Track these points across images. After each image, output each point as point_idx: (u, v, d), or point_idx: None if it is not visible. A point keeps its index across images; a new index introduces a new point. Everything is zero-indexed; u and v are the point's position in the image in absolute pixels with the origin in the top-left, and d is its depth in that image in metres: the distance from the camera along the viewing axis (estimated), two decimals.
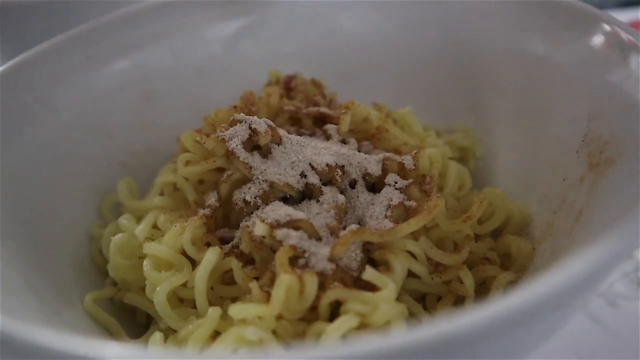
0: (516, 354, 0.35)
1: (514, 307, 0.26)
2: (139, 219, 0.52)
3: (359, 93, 0.58)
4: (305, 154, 0.48)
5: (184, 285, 0.46)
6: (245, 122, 0.48)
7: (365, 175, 0.49)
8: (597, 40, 0.48)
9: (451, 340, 0.26)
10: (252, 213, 0.46)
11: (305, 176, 0.47)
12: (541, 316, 0.28)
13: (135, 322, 0.51)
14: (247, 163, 0.47)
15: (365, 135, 0.54)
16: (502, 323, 0.27)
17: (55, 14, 0.81)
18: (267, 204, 0.46)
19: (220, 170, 0.51)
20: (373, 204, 0.47)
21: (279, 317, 0.41)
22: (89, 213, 0.57)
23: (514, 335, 0.29)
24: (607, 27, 0.48)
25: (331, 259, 0.43)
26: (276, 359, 0.29)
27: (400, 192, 0.47)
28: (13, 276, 0.41)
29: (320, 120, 0.55)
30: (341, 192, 0.48)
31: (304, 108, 0.56)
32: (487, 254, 0.50)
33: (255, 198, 0.46)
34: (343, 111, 0.53)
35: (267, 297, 0.42)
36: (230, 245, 0.47)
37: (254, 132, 0.47)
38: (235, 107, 0.53)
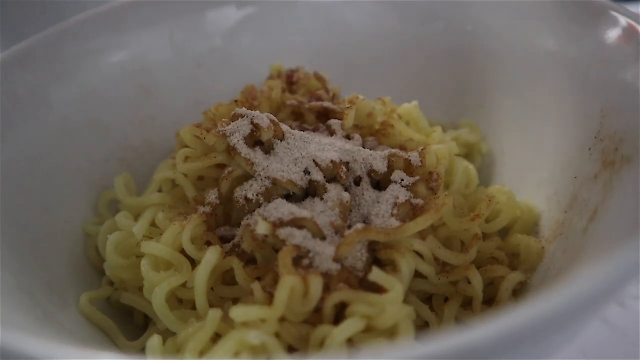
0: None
1: (533, 318, 0.25)
2: (136, 216, 0.51)
3: (363, 87, 0.57)
4: (308, 149, 0.47)
5: (183, 285, 0.45)
6: (247, 116, 0.46)
7: (371, 172, 0.47)
8: (610, 33, 0.47)
9: (464, 353, 0.25)
10: (254, 211, 0.45)
11: (309, 173, 0.46)
12: (561, 328, 0.27)
13: (133, 323, 0.50)
14: (249, 159, 0.45)
15: (370, 131, 0.52)
16: (517, 336, 0.25)
17: (54, 6, 0.79)
18: (269, 202, 0.44)
19: (221, 166, 0.49)
20: (378, 202, 0.46)
21: (282, 320, 0.40)
22: (84, 209, 0.56)
23: (531, 348, 0.27)
24: (620, 20, 0.46)
25: (336, 259, 0.41)
26: None
27: (407, 190, 0.46)
28: (5, 277, 0.40)
29: (324, 115, 0.54)
30: (346, 190, 0.47)
31: (306, 102, 0.54)
32: (495, 254, 0.48)
33: (257, 195, 0.45)
34: (347, 106, 0.51)
35: (269, 299, 0.40)
36: (231, 244, 0.46)
37: (256, 127, 0.46)
38: (236, 101, 0.51)
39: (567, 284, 0.26)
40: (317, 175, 0.46)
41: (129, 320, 0.50)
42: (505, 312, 0.25)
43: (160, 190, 0.53)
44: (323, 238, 0.42)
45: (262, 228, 0.42)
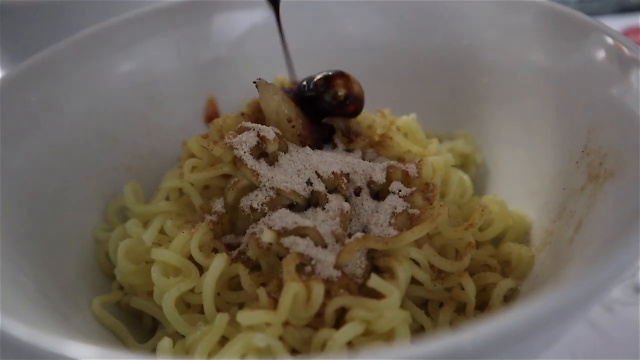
0: None
1: (517, 322, 0.27)
2: (145, 223, 0.53)
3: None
4: (311, 162, 0.49)
5: (191, 290, 0.47)
6: (254, 129, 0.48)
7: (370, 183, 0.50)
8: (598, 52, 0.49)
9: (456, 353, 0.27)
10: (259, 220, 0.47)
11: (311, 184, 0.48)
12: (543, 330, 0.29)
13: (142, 326, 0.52)
14: (254, 170, 0.48)
15: (370, 143, 0.55)
16: (505, 338, 0.27)
17: (53, 14, 0.81)
18: (273, 211, 0.47)
19: (226, 176, 0.51)
20: (377, 212, 0.48)
21: (286, 324, 0.42)
22: (94, 216, 0.58)
23: (515, 349, 0.30)
24: (607, 40, 0.49)
25: (337, 266, 0.44)
26: None
27: (404, 200, 0.48)
28: (25, 281, 0.42)
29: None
30: (346, 200, 0.49)
31: None
32: (488, 261, 0.51)
33: (262, 205, 0.47)
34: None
35: (274, 304, 0.42)
36: (236, 251, 0.48)
37: (262, 139, 0.48)
38: (242, 114, 0.53)
39: (550, 291, 0.29)
40: (319, 186, 0.48)
41: (138, 324, 0.52)
42: (494, 317, 0.27)
43: (167, 199, 0.55)
44: (325, 246, 0.45)
45: (267, 237, 0.44)
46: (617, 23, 0.97)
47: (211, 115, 0.60)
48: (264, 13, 0.70)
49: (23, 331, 0.28)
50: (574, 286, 0.28)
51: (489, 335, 0.26)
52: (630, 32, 0.97)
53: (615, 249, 0.30)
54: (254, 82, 0.52)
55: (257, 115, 0.53)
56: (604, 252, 0.30)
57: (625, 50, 0.46)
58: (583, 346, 0.55)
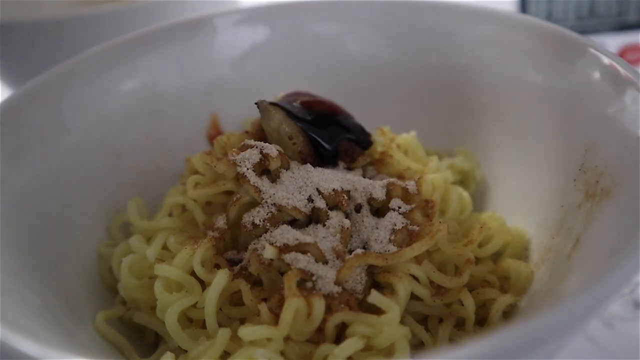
0: None
1: (515, 337, 0.28)
2: (148, 239, 0.54)
3: (362, 114, 0.60)
4: (312, 179, 0.50)
5: (194, 306, 0.48)
6: (257, 147, 0.49)
7: (370, 200, 0.50)
8: (594, 72, 0.50)
9: None
10: (261, 236, 0.48)
11: (313, 200, 0.49)
12: (541, 345, 0.30)
13: (144, 341, 0.53)
14: (256, 186, 0.48)
15: (370, 160, 0.55)
16: (503, 353, 0.28)
17: (58, 34, 0.83)
18: (275, 227, 0.47)
19: (229, 193, 0.52)
20: (377, 228, 0.49)
21: (287, 339, 0.43)
22: (98, 232, 0.58)
23: None
24: (603, 60, 0.50)
25: (337, 282, 0.44)
26: None
27: (404, 217, 0.49)
28: (32, 297, 0.43)
29: None
30: (347, 217, 0.50)
31: None
32: (487, 277, 0.51)
33: (263, 221, 0.47)
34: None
35: (275, 319, 0.43)
36: (238, 267, 0.49)
37: (265, 156, 0.49)
38: (246, 132, 0.54)
39: (549, 307, 0.29)
40: (320, 203, 0.49)
41: (140, 339, 0.53)
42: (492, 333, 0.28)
43: (170, 215, 0.56)
44: (325, 262, 0.45)
45: (269, 253, 0.45)
46: (616, 40, 0.98)
47: (214, 133, 0.61)
48: (267, 32, 0.71)
49: (30, 347, 0.28)
50: (573, 302, 0.29)
51: (487, 351, 0.27)
52: (628, 50, 0.98)
53: (613, 265, 0.31)
54: (256, 104, 0.53)
55: (261, 134, 0.54)
56: (602, 268, 0.31)
57: (621, 70, 0.47)
58: None
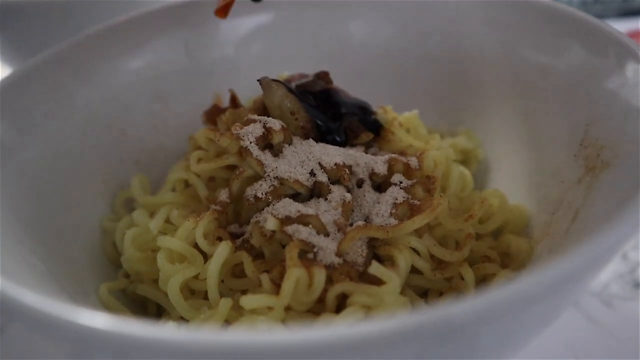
0: (510, 344, 0.38)
1: (508, 293, 0.28)
2: (151, 214, 0.54)
3: (365, 94, 0.60)
4: (314, 153, 0.50)
5: (196, 277, 0.48)
6: (260, 121, 0.50)
7: (372, 175, 0.51)
8: (594, 48, 0.50)
9: (449, 322, 0.28)
10: (263, 209, 0.48)
11: (315, 174, 0.49)
12: (536, 304, 0.30)
13: (147, 314, 0.53)
14: (259, 160, 0.49)
15: (372, 137, 0.56)
16: (495, 308, 0.28)
17: (63, 15, 0.83)
18: (277, 201, 0.48)
19: (231, 167, 0.52)
20: (379, 203, 0.49)
21: (288, 309, 0.43)
22: (102, 207, 0.59)
23: (507, 322, 0.31)
24: (603, 35, 0.50)
25: (338, 254, 0.45)
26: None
27: (405, 191, 0.49)
28: (38, 264, 0.43)
29: None
30: (348, 191, 0.50)
31: None
32: (488, 253, 0.52)
33: (266, 194, 0.48)
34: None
35: (276, 289, 0.43)
36: (240, 239, 0.49)
37: (268, 130, 0.49)
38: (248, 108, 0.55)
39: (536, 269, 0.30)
40: (322, 177, 0.49)
41: (143, 311, 0.53)
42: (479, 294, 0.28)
43: (174, 190, 0.56)
44: (327, 234, 0.46)
45: (271, 224, 0.45)
46: (620, 26, 0.97)
47: (213, 112, 0.62)
48: (271, 14, 0.71)
49: (36, 299, 0.29)
50: (572, 257, 0.29)
51: (482, 305, 0.27)
52: (632, 35, 0.98)
53: (613, 222, 0.31)
54: (258, 80, 0.53)
55: (263, 111, 0.54)
56: (593, 232, 0.31)
57: (622, 43, 0.47)
58: (582, 341, 0.56)
